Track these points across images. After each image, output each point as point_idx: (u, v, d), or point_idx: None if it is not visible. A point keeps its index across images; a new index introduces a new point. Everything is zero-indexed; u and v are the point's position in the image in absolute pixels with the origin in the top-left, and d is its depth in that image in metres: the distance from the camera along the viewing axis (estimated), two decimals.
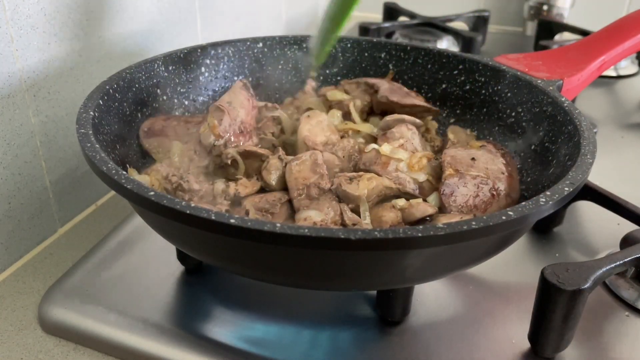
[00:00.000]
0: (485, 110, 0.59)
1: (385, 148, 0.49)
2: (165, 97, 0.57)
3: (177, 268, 0.49)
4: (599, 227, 0.56)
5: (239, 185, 0.47)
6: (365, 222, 0.44)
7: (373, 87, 0.61)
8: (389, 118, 0.54)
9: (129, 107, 0.51)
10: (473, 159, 0.49)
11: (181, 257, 0.49)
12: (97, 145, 0.39)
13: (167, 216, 0.34)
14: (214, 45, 0.61)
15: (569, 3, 1.13)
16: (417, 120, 0.55)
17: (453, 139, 0.56)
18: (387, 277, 0.37)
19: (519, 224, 0.34)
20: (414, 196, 0.47)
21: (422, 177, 0.48)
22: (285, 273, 0.37)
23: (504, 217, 0.33)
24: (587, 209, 0.56)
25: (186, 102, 0.60)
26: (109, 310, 0.45)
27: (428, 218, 0.45)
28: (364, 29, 1.00)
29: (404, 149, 0.50)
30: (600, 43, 0.61)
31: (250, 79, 0.64)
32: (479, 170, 0.48)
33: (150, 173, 0.49)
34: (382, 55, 0.66)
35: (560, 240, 0.55)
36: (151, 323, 0.43)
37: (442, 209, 0.46)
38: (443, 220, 0.43)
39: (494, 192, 0.47)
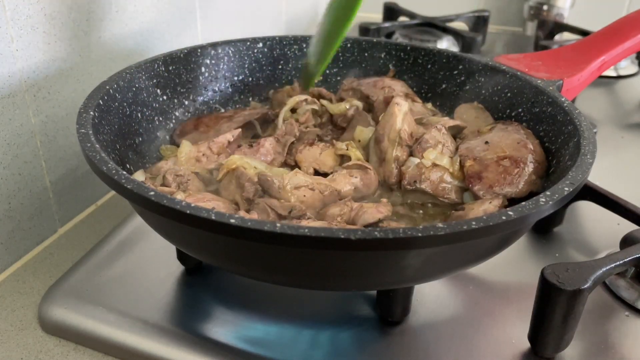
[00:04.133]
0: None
1: (430, 155, 0.48)
2: (165, 97, 0.57)
3: (177, 268, 0.49)
4: (599, 227, 0.56)
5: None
6: None
7: (368, 99, 0.61)
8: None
9: (129, 107, 0.51)
10: (486, 142, 0.50)
11: (181, 257, 0.49)
12: (97, 145, 0.39)
13: (167, 216, 0.34)
14: (214, 45, 0.61)
15: (569, 3, 1.13)
16: (460, 123, 0.55)
17: (464, 118, 0.57)
18: (387, 277, 0.37)
19: (519, 224, 0.34)
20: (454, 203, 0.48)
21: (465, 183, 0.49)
22: (285, 273, 0.37)
23: (504, 217, 0.33)
24: (587, 209, 0.56)
25: (186, 102, 0.60)
26: (109, 310, 0.45)
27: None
28: (364, 29, 1.00)
29: (444, 154, 0.49)
30: (600, 43, 0.61)
31: (250, 79, 0.65)
32: (496, 151, 0.48)
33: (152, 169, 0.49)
34: (382, 55, 0.66)
35: (560, 240, 0.55)
36: (151, 323, 0.43)
37: (476, 198, 0.47)
38: (476, 208, 0.44)
39: (519, 163, 0.47)
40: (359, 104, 0.60)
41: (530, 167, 0.47)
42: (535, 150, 0.49)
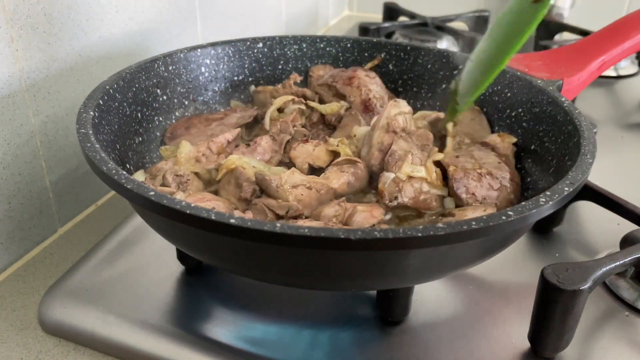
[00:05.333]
0: (485, 110, 0.59)
1: (406, 169, 0.47)
2: (165, 97, 0.57)
3: (177, 268, 0.49)
4: (599, 227, 0.56)
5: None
6: None
7: (344, 98, 0.61)
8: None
9: (129, 107, 0.51)
10: (471, 156, 0.50)
11: (181, 257, 0.49)
12: (97, 145, 0.39)
13: (167, 216, 0.34)
14: (214, 45, 0.61)
15: (569, 3, 1.13)
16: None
17: (459, 120, 0.57)
18: (387, 277, 0.37)
19: (519, 224, 0.34)
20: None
21: (445, 191, 0.48)
22: (285, 273, 0.37)
23: (503, 217, 0.33)
24: (587, 209, 0.56)
25: (186, 102, 0.60)
26: (109, 310, 0.45)
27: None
28: (364, 29, 1.00)
29: (415, 164, 0.48)
30: (600, 43, 0.61)
31: (250, 79, 0.65)
32: (479, 164, 0.49)
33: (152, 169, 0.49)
34: (382, 55, 0.66)
35: (560, 240, 0.55)
36: (151, 323, 0.43)
37: (458, 205, 0.47)
38: (469, 214, 0.44)
39: (500, 180, 0.47)
40: (346, 104, 0.60)
41: (510, 187, 0.48)
42: (513, 172, 0.49)
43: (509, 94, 0.57)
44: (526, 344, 0.42)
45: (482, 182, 0.47)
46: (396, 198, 0.46)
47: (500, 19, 0.45)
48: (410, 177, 0.47)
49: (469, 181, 0.47)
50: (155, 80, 0.55)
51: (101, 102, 0.46)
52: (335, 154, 0.53)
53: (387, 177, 0.47)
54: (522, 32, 0.39)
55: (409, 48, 0.65)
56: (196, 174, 0.50)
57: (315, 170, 0.52)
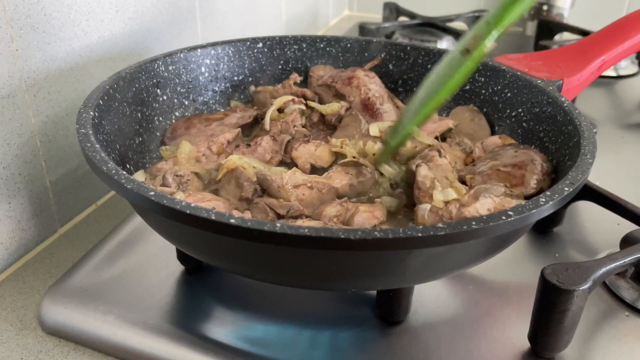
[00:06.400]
0: (485, 110, 0.59)
1: (439, 196, 0.45)
2: (165, 97, 0.57)
3: (177, 268, 0.49)
4: (599, 227, 0.56)
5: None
6: None
7: (344, 98, 0.61)
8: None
9: (129, 107, 0.51)
10: (489, 158, 0.50)
11: (181, 257, 0.49)
12: (97, 145, 0.39)
13: (167, 216, 0.34)
14: (214, 45, 0.61)
15: (569, 3, 1.13)
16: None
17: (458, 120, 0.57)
18: (387, 277, 0.37)
19: (519, 224, 0.34)
20: None
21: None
22: (285, 273, 0.37)
23: (503, 217, 0.33)
24: (587, 209, 0.56)
25: (186, 102, 0.60)
26: (109, 310, 0.45)
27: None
28: (364, 29, 1.00)
29: (445, 187, 0.46)
30: (600, 43, 0.61)
31: (250, 79, 0.65)
32: (495, 164, 0.48)
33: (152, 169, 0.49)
34: (382, 55, 0.66)
35: (560, 240, 0.55)
36: (151, 323, 0.43)
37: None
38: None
39: (521, 167, 0.47)
40: (346, 104, 0.60)
41: (539, 158, 0.47)
42: (541, 155, 0.48)
43: (509, 94, 0.57)
44: (526, 344, 0.42)
45: (501, 178, 0.46)
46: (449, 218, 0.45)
47: (435, 69, 0.47)
48: (445, 203, 0.45)
49: (489, 182, 0.46)
50: (155, 80, 0.55)
51: (101, 102, 0.46)
52: (337, 154, 0.52)
53: (424, 209, 0.45)
54: (447, 81, 0.40)
55: (409, 48, 0.65)
56: (196, 174, 0.49)
57: (317, 170, 0.52)
